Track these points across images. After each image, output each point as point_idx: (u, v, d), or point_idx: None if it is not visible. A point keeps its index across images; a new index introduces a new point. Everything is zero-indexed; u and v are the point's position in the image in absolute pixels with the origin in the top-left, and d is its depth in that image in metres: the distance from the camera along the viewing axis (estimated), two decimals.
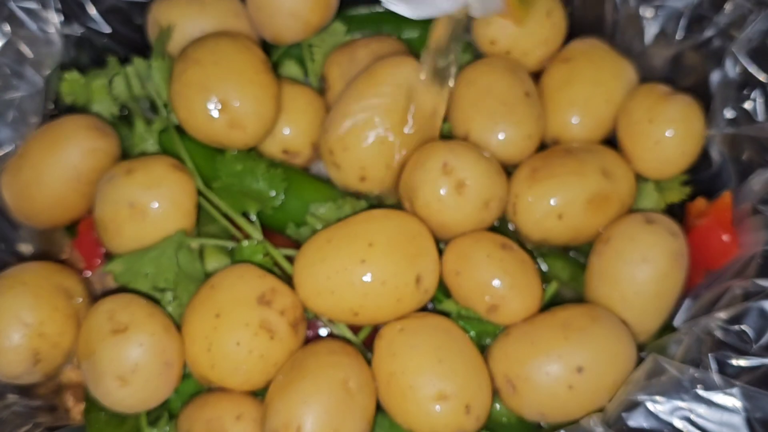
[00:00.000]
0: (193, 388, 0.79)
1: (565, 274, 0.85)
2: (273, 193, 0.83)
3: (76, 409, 0.84)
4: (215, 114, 0.82)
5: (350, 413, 0.70)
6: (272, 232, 0.85)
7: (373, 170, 0.82)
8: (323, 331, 0.82)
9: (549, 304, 0.80)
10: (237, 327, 0.73)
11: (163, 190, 0.80)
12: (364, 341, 0.80)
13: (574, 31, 0.94)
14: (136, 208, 0.79)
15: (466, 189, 0.77)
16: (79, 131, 0.85)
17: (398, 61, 0.82)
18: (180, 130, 0.87)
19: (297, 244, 0.82)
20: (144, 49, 0.95)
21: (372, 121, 0.80)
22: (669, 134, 0.82)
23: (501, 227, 0.84)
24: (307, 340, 0.79)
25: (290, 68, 0.95)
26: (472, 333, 0.78)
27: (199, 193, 0.84)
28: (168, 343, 0.74)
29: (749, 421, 0.64)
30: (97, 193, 0.83)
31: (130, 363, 0.72)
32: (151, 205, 0.79)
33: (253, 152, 0.86)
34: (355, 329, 0.80)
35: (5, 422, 0.77)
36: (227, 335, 0.73)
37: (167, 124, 0.87)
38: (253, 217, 0.83)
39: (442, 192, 0.77)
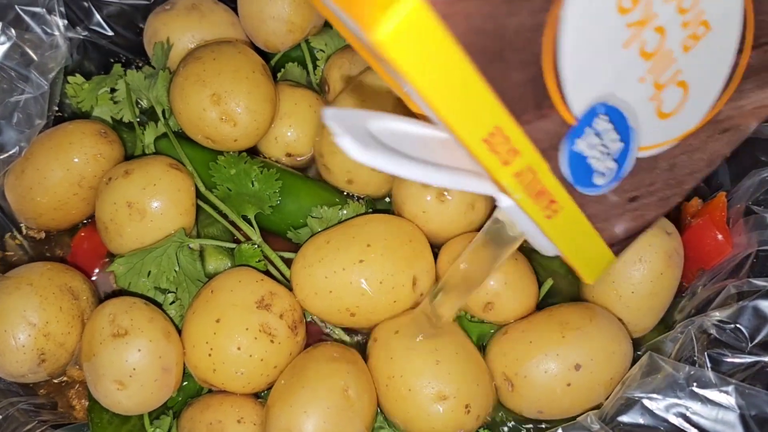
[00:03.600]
0: (195, 388, 0.80)
1: (561, 270, 0.85)
2: (269, 194, 0.84)
3: (79, 407, 0.84)
4: (208, 105, 0.82)
5: (350, 421, 0.70)
6: (273, 235, 0.86)
7: (359, 173, 0.83)
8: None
9: (546, 300, 0.81)
10: (237, 331, 0.73)
11: (161, 189, 0.80)
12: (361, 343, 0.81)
13: None
14: (135, 207, 0.80)
15: (448, 196, 0.78)
16: (84, 137, 0.85)
17: None
18: (178, 136, 0.88)
19: (297, 247, 0.82)
20: (146, 53, 0.96)
21: None
22: None
23: None
24: (307, 344, 0.79)
25: (292, 71, 0.96)
26: (467, 329, 0.78)
27: (200, 195, 0.85)
28: (167, 348, 0.74)
29: (744, 419, 0.65)
30: (97, 195, 0.83)
31: (128, 367, 0.72)
32: (150, 205, 0.80)
33: (244, 155, 0.87)
34: (351, 331, 0.81)
35: (10, 420, 0.77)
36: (228, 340, 0.73)
37: (166, 130, 0.88)
38: (252, 220, 0.84)
39: (426, 201, 0.78)
